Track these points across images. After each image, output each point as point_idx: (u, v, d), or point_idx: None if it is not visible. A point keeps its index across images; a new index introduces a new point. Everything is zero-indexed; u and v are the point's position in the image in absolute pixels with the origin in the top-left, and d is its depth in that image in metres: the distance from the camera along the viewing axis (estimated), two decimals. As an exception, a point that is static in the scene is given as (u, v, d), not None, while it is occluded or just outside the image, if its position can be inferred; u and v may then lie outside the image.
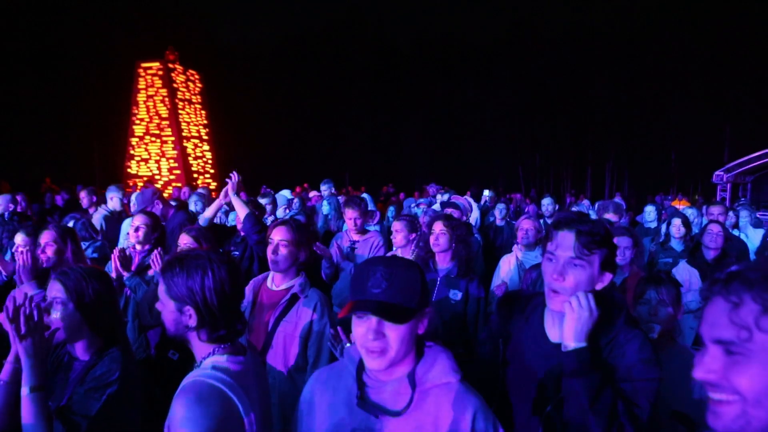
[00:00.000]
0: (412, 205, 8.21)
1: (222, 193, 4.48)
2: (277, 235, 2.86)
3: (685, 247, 5.31)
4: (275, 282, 2.92)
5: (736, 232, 6.47)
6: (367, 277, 1.42)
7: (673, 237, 5.47)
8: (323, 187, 7.98)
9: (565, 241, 1.75)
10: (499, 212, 7.62)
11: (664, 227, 5.91)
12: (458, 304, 3.58)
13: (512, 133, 32.40)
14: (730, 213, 6.94)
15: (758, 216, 10.16)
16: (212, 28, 34.26)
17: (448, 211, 5.80)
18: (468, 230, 4.07)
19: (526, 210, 11.90)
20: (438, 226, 3.72)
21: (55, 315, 1.98)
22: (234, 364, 1.61)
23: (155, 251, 3.43)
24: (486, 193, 9.17)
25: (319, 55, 34.65)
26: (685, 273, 4.57)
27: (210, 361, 1.62)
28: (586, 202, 10.66)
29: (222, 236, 4.60)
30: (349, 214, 4.85)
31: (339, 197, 7.32)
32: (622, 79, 30.22)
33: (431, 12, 33.90)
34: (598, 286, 1.79)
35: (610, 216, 5.74)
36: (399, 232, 4.31)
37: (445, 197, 8.13)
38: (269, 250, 2.86)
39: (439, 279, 3.65)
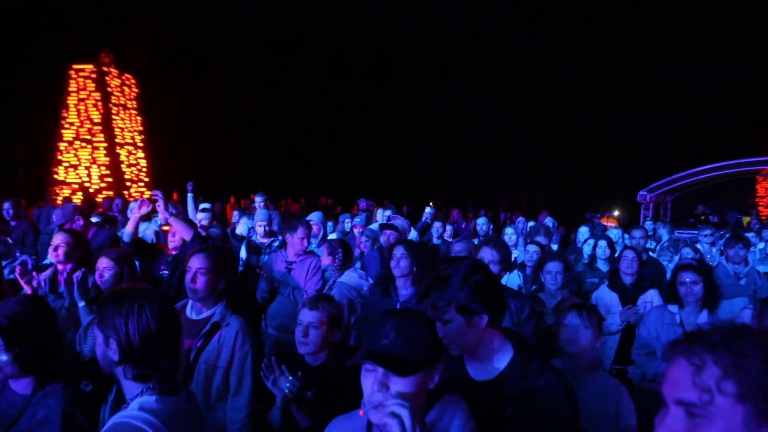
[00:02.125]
0: (346, 220, 8.17)
1: (137, 205, 4.25)
2: (195, 263, 2.78)
3: (611, 268, 5.55)
4: (194, 310, 2.84)
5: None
6: (377, 328, 1.44)
7: (600, 258, 5.71)
8: (257, 200, 7.68)
9: None
10: (435, 230, 7.73)
11: (587, 248, 6.18)
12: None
13: (457, 148, 32.86)
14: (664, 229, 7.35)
15: (677, 235, 10.80)
16: (154, 31, 32.92)
17: (387, 232, 5.85)
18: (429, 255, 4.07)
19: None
20: (399, 251, 3.63)
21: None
22: (163, 405, 1.57)
23: (78, 272, 3.28)
24: (427, 210, 9.27)
25: (270, 62, 34.16)
26: (607, 295, 4.79)
27: (138, 401, 1.58)
28: (521, 219, 10.95)
29: (148, 254, 4.41)
30: (300, 233, 4.65)
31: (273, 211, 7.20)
32: (564, 102, 31.30)
33: (387, 21, 33.54)
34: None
35: (540, 239, 5.96)
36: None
37: (387, 213, 8.17)
38: (187, 278, 2.77)
39: (399, 305, 3.52)
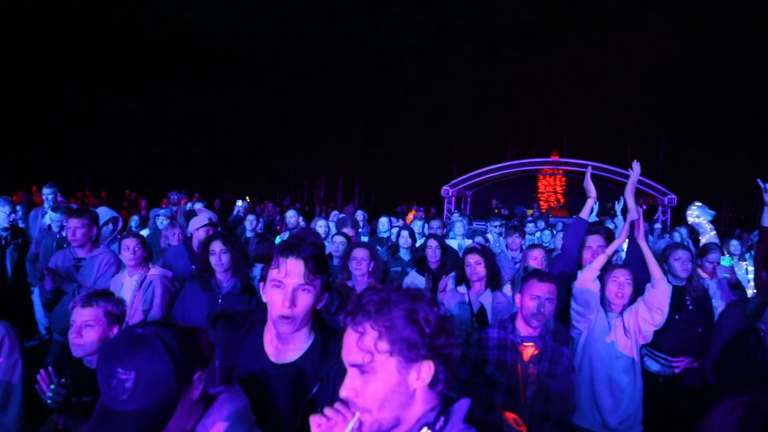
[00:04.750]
0: (159, 215, 7.70)
1: None
2: None
3: (412, 257, 6.00)
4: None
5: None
6: (106, 386, 1.28)
7: (402, 248, 6.14)
8: (45, 191, 6.73)
9: (294, 268, 1.78)
10: (249, 223, 7.65)
11: (394, 238, 6.60)
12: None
13: (265, 140, 32.37)
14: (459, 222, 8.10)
15: (474, 226, 11.99)
16: None
17: (208, 229, 5.62)
18: (243, 247, 4.02)
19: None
20: (217, 246, 3.64)
21: None
22: None
23: None
24: (239, 203, 9.07)
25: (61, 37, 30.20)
26: (417, 280, 5.17)
27: None
28: (334, 212, 11.24)
29: None
30: (71, 224, 4.25)
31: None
32: (373, 97, 32.56)
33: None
34: (319, 306, 1.89)
35: (347, 230, 6.20)
36: (127, 251, 4.04)
37: (197, 206, 7.83)
38: None
39: (221, 297, 3.56)
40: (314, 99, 31.93)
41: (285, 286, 1.77)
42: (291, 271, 1.77)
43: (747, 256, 7.24)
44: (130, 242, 4.00)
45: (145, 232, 7.24)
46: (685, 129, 30.58)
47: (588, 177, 4.33)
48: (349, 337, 1.28)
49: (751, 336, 3.03)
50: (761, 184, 4.05)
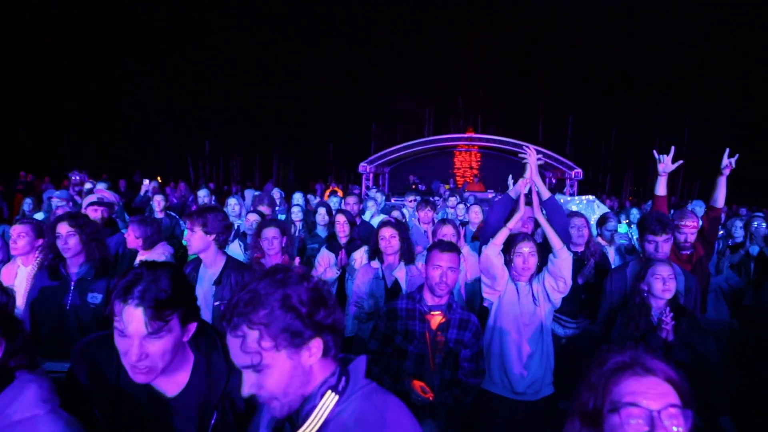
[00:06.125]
0: (53, 197, 7.16)
1: None
2: None
3: (329, 233, 5.98)
4: None
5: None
6: None
7: (319, 224, 6.10)
8: None
9: (134, 317, 1.49)
10: (157, 204, 7.32)
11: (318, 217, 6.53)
12: (100, 308, 3.33)
13: (180, 118, 30.86)
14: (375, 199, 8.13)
15: (393, 202, 12.11)
16: None
17: (96, 209, 5.29)
18: (98, 228, 3.70)
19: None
20: (63, 228, 3.36)
21: None
22: None
23: None
24: (146, 182, 8.66)
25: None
26: (327, 256, 5.16)
27: None
28: (248, 191, 11.00)
29: None
30: None
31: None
32: (290, 74, 31.79)
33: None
34: (185, 338, 1.64)
35: (263, 208, 6.08)
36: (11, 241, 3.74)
37: (100, 186, 7.38)
38: None
39: (73, 284, 3.32)
40: (231, 75, 30.78)
41: (130, 338, 1.50)
42: (131, 320, 1.49)
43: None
44: (14, 230, 3.70)
45: (40, 216, 6.75)
46: (590, 106, 32.21)
47: (530, 157, 3.96)
48: (232, 343, 1.25)
49: (636, 297, 3.25)
50: (656, 156, 4.31)
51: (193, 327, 1.64)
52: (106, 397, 1.64)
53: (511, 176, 4.65)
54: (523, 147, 4.15)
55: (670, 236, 3.63)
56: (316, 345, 1.28)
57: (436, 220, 5.92)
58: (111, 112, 29.53)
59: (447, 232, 4.70)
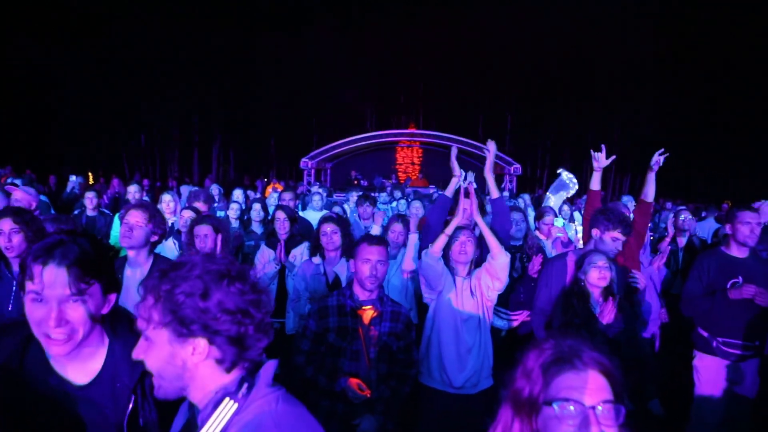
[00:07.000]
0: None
1: None
2: None
3: (265, 229, 5.84)
4: None
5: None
6: None
7: (254, 221, 5.94)
8: None
9: (56, 278, 1.41)
10: (89, 201, 6.92)
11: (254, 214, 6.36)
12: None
13: (113, 110, 29.26)
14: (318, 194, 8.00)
15: (334, 198, 12.01)
16: None
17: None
18: (43, 225, 3.48)
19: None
20: (6, 224, 3.10)
21: None
22: None
23: None
24: (72, 178, 8.23)
25: None
26: (266, 253, 5.04)
27: None
28: (184, 186, 10.65)
29: None
30: None
31: None
32: (231, 66, 30.86)
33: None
34: (105, 310, 1.55)
35: (199, 205, 5.86)
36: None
37: (17, 182, 6.96)
38: None
39: (16, 285, 3.01)
40: (168, 68, 29.55)
41: (47, 301, 1.41)
42: (52, 281, 1.40)
43: (577, 215, 8.06)
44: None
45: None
46: (529, 104, 33.05)
47: (453, 156, 4.38)
48: (139, 305, 1.26)
49: (575, 286, 3.32)
50: (593, 153, 4.43)
51: (113, 298, 1.56)
52: (5, 391, 1.48)
53: (470, 172, 4.73)
54: (486, 143, 4.29)
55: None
56: (201, 345, 1.21)
57: (375, 215, 5.90)
58: (38, 104, 27.87)
59: (396, 229, 4.82)
